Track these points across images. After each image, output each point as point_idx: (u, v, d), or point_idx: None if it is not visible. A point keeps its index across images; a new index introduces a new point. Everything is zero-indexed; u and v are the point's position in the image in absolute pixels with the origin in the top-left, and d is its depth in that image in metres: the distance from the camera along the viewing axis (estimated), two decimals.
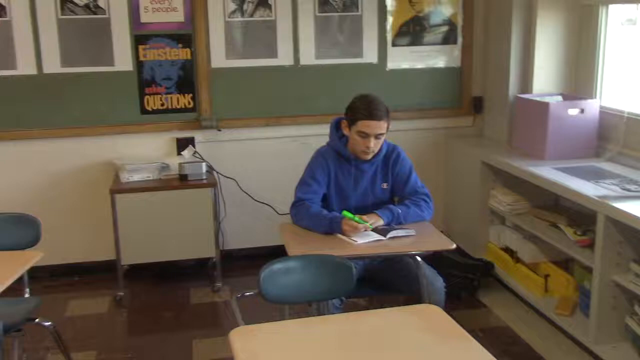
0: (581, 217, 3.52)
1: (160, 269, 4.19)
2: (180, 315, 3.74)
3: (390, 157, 2.97)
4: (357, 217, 2.70)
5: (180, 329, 3.58)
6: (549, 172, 3.48)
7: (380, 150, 2.91)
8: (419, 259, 2.63)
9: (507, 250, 4.03)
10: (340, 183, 2.93)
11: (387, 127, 2.84)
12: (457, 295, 3.78)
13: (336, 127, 2.99)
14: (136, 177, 3.93)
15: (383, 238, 2.62)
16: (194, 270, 4.25)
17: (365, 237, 2.63)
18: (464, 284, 3.83)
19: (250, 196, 4.35)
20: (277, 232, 4.01)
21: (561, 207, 3.81)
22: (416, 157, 3.02)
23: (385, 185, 2.98)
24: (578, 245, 3.34)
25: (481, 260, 3.99)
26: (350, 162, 2.92)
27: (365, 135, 2.80)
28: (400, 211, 2.81)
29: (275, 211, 4.34)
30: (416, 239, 2.66)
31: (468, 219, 4.31)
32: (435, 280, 2.76)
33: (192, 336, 3.46)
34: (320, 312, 2.55)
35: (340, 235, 2.69)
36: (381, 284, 2.91)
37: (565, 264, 3.77)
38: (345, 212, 2.75)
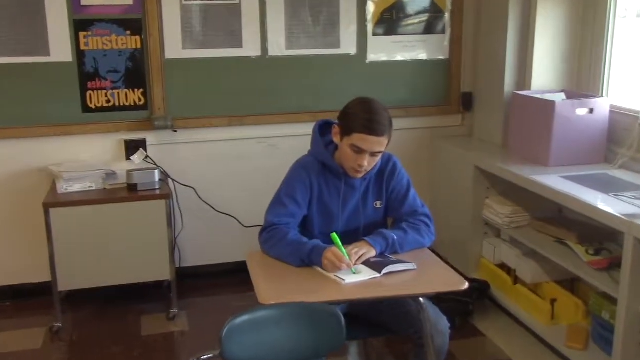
0: (590, 231, 3.08)
1: (105, 294, 3.60)
2: (130, 350, 3.17)
3: (385, 170, 2.45)
4: (342, 247, 2.18)
5: None
6: (556, 182, 3.03)
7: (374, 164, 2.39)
8: (422, 300, 2.13)
9: (503, 267, 3.57)
10: (325, 202, 2.40)
11: (388, 143, 2.32)
12: (451, 321, 3.28)
13: (320, 131, 2.45)
14: (76, 187, 3.34)
15: (377, 275, 2.09)
16: (145, 293, 3.68)
17: (353, 276, 2.10)
18: (458, 309, 3.35)
19: (211, 206, 3.81)
20: (242, 247, 3.57)
21: (565, 220, 3.36)
22: (399, 158, 2.53)
23: (378, 204, 2.46)
24: (592, 267, 2.89)
25: (476, 281, 3.52)
26: (340, 177, 2.39)
27: (359, 151, 2.27)
28: (395, 237, 2.29)
29: (240, 223, 3.82)
30: (418, 274, 2.14)
31: (458, 230, 3.83)
32: (439, 321, 2.26)
33: None
34: None
35: (321, 271, 2.16)
36: (370, 323, 2.40)
37: (571, 283, 3.34)
38: (333, 235, 2.22)
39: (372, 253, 2.22)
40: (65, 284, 3.31)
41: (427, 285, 2.08)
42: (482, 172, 3.59)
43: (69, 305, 3.53)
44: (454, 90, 4.06)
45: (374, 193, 2.46)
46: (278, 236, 2.29)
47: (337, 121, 2.35)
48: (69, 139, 3.56)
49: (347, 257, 2.14)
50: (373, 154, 2.27)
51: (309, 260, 2.20)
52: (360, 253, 2.19)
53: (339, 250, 2.16)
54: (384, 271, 2.10)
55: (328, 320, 1.82)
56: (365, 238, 2.27)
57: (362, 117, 2.24)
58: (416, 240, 2.35)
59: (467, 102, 4.08)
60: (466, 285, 2.06)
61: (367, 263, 2.17)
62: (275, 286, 2.04)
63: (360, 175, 2.35)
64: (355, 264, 2.15)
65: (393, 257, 2.23)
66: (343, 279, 2.06)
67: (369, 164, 2.29)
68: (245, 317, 1.77)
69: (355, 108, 2.28)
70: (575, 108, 3.27)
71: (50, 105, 3.50)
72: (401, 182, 2.48)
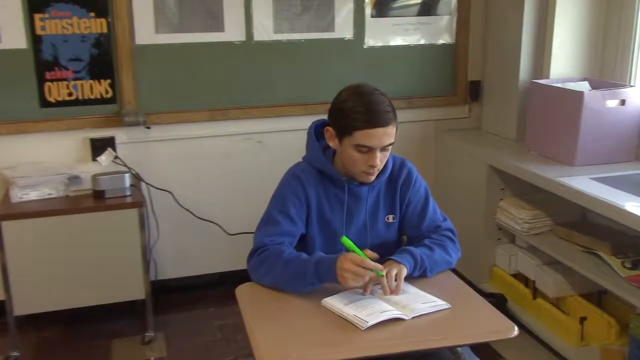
0: (622, 239, 2.72)
1: (70, 315, 3.16)
2: None
3: (398, 178, 2.05)
4: (360, 251, 1.79)
5: None
6: (587, 185, 2.66)
7: (385, 166, 1.99)
8: (460, 350, 1.73)
9: (519, 277, 3.21)
10: (327, 218, 1.99)
11: (396, 132, 1.92)
12: None
13: (316, 134, 2.04)
14: (33, 195, 2.90)
15: (405, 317, 1.68)
16: (117, 313, 3.24)
17: (375, 314, 1.68)
18: None
19: (190, 212, 3.39)
20: (225, 256, 3.32)
21: (591, 226, 2.99)
22: (400, 155, 2.16)
23: (391, 218, 2.06)
24: (631, 284, 2.53)
25: (493, 296, 3.15)
26: (342, 186, 1.99)
27: (367, 150, 1.87)
28: (424, 256, 1.91)
29: (224, 230, 3.42)
30: (453, 316, 1.71)
31: (468, 235, 3.40)
32: None
33: None
34: None
35: (337, 311, 1.72)
36: None
37: (598, 297, 2.98)
38: (345, 239, 1.82)
39: (404, 271, 1.83)
40: (22, 308, 2.87)
41: (467, 332, 1.66)
42: (496, 171, 3.21)
43: (28, 328, 3.09)
44: (461, 79, 3.67)
45: (386, 205, 2.06)
46: (271, 258, 1.87)
47: (329, 121, 1.94)
48: (25, 138, 3.11)
49: (368, 259, 1.75)
50: (384, 149, 1.87)
51: (318, 278, 1.79)
52: (394, 273, 1.79)
53: (357, 254, 1.76)
54: (413, 314, 1.69)
55: None
56: (391, 257, 1.87)
57: (359, 109, 1.84)
58: (444, 259, 1.97)
59: (474, 92, 3.69)
60: (516, 331, 1.65)
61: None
62: (277, 338, 1.61)
63: (373, 178, 1.95)
64: (394, 291, 1.77)
65: (421, 292, 1.82)
66: (366, 321, 1.64)
67: (382, 161, 1.90)
68: None
69: (349, 101, 1.87)
70: (605, 99, 2.89)
71: (2, 100, 3.05)
72: (419, 193, 2.08)
